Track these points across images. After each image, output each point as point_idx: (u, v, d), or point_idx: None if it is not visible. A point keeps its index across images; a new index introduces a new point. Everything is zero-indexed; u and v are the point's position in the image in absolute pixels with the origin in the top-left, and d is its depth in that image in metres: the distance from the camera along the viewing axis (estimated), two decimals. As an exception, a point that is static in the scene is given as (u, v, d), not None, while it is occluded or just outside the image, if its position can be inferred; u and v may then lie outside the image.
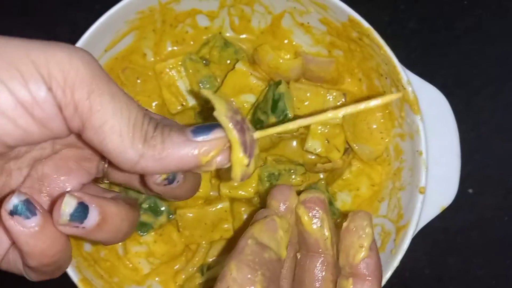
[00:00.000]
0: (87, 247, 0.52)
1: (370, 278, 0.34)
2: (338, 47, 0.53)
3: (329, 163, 0.54)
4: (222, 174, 0.53)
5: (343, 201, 0.54)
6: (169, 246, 0.55)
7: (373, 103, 0.30)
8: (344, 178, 0.54)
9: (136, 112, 0.29)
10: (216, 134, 0.31)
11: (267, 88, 0.53)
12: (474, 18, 0.62)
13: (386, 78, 0.50)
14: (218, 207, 0.53)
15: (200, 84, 0.54)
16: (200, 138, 0.30)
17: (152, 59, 0.55)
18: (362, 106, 0.30)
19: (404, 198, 0.50)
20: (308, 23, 0.53)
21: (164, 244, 0.56)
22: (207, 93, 0.30)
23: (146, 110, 0.31)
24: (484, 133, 0.61)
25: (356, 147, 0.53)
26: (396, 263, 0.47)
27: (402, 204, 0.50)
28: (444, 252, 0.60)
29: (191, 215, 0.53)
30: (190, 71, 0.54)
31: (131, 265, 0.54)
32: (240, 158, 0.30)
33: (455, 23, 0.62)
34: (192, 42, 0.55)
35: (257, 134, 0.32)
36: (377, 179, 0.54)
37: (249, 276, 0.31)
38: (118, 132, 0.29)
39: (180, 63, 0.55)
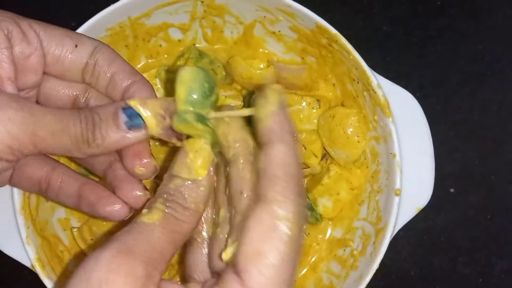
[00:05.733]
0: (71, 264, 0.53)
1: (274, 140, 0.31)
2: (310, 54, 0.53)
3: (307, 168, 0.54)
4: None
5: (324, 206, 0.54)
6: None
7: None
8: (323, 183, 0.54)
9: (74, 127, 0.35)
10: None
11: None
12: (448, 18, 0.62)
13: (358, 82, 0.50)
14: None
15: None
16: (134, 128, 0.36)
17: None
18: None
19: (381, 201, 0.50)
20: (280, 31, 0.53)
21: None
22: (134, 106, 0.36)
23: (79, 111, 0.36)
24: (463, 132, 0.61)
25: (333, 152, 0.53)
26: (375, 265, 0.48)
27: (380, 206, 0.50)
28: (429, 253, 0.60)
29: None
30: (166, 82, 0.54)
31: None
32: (174, 142, 0.36)
33: (429, 24, 0.62)
34: (166, 56, 0.56)
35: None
36: (356, 183, 0.54)
37: (155, 203, 0.33)
38: (66, 150, 0.35)
39: (155, 75, 0.55)
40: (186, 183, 0.34)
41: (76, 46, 0.38)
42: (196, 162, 0.34)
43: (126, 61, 0.40)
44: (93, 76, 0.39)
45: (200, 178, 0.34)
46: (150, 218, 0.31)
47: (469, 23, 0.62)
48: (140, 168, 0.38)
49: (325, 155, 0.55)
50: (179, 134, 0.36)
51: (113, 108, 0.36)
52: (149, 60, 0.56)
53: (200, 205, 0.34)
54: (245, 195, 0.32)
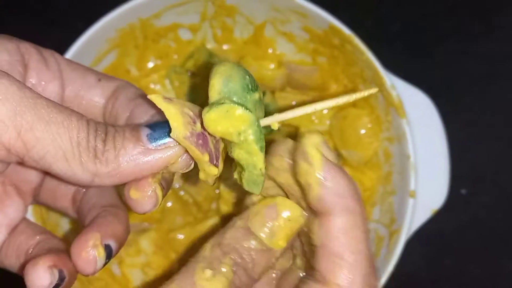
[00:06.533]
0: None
1: (332, 211, 0.26)
2: (322, 54, 0.53)
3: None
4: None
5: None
6: (167, 261, 0.55)
7: (354, 97, 0.27)
8: (334, 185, 0.53)
9: (78, 128, 0.26)
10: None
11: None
12: (457, 18, 0.62)
13: (370, 83, 0.50)
14: (209, 223, 0.52)
15: (187, 96, 0.54)
16: (158, 145, 0.27)
17: (137, 73, 0.55)
18: (343, 100, 0.27)
19: (395, 203, 0.50)
20: (291, 31, 0.53)
21: (162, 257, 0.55)
22: (156, 100, 0.26)
23: (90, 119, 0.27)
24: (474, 132, 0.61)
25: (345, 153, 0.53)
26: (390, 268, 0.47)
27: (394, 208, 0.50)
28: (440, 254, 0.60)
29: (182, 236, 0.52)
30: (176, 83, 0.54)
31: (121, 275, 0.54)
32: (207, 169, 0.27)
33: (439, 24, 0.62)
34: (175, 56, 0.55)
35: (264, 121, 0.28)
36: (368, 184, 0.53)
37: (219, 258, 0.28)
38: (63, 157, 0.26)
39: (165, 77, 0.55)
40: (262, 248, 0.28)
41: (100, 80, 0.32)
42: (284, 231, 0.28)
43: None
44: (111, 116, 0.32)
45: (277, 249, 0.28)
46: (213, 285, 0.27)
47: (479, 23, 0.62)
48: (136, 192, 0.28)
49: (337, 156, 0.54)
50: (210, 148, 0.27)
51: (132, 124, 0.29)
52: (159, 62, 0.55)
53: (262, 275, 0.29)
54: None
